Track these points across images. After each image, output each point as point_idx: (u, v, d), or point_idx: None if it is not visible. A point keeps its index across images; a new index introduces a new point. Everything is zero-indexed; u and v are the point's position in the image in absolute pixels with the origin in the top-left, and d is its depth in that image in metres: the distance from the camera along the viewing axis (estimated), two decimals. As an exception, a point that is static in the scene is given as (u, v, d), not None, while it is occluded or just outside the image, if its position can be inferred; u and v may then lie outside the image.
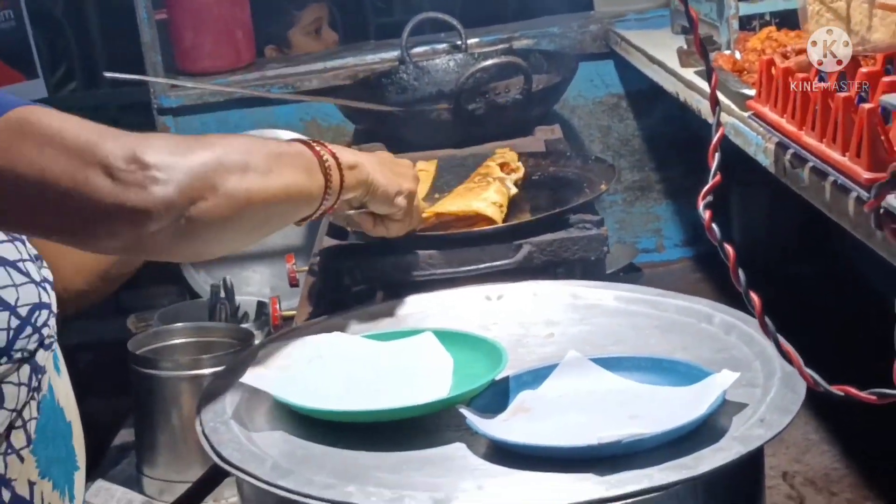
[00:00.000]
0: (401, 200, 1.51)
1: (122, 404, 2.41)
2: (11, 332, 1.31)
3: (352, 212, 1.52)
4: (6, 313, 1.31)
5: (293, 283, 1.99)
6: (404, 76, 2.73)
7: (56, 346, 1.43)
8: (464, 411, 1.20)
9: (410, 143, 2.30)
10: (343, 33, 3.48)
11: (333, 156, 1.40)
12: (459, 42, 2.80)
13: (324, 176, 1.38)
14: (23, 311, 1.33)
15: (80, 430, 1.47)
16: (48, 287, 1.39)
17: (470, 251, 1.69)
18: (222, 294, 2.54)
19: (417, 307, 1.56)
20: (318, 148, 1.40)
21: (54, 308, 1.39)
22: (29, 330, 1.33)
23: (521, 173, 1.94)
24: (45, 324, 1.36)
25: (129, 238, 1.20)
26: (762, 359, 1.27)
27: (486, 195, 1.78)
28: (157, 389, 2.18)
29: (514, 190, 1.86)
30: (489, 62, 2.38)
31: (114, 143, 1.18)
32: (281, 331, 1.65)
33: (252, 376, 1.32)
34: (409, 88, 2.72)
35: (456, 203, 1.78)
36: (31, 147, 1.16)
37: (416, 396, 1.25)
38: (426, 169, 2.01)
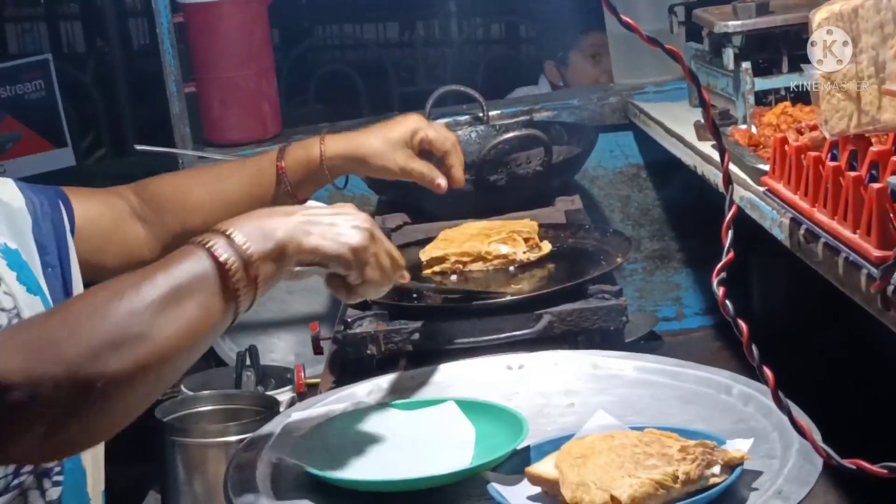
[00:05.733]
0: (347, 256, 1.29)
1: (149, 470, 2.44)
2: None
3: (302, 269, 1.30)
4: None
5: (318, 351, 2.02)
6: (427, 147, 2.76)
7: None
8: (488, 477, 1.22)
9: (433, 213, 2.34)
10: (369, 103, 3.55)
11: (241, 256, 1.21)
12: (481, 114, 2.84)
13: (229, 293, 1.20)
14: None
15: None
16: None
17: (491, 321, 1.72)
18: (248, 361, 2.57)
19: (440, 376, 1.59)
20: (220, 252, 1.20)
21: None
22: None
23: (543, 251, 1.97)
24: None
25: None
26: (780, 430, 1.29)
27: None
28: (185, 456, 2.21)
29: (528, 256, 1.93)
30: (510, 134, 2.40)
31: None
32: (306, 399, 1.68)
33: (278, 446, 1.35)
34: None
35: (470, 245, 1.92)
36: None
37: (438, 466, 1.28)
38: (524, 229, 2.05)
